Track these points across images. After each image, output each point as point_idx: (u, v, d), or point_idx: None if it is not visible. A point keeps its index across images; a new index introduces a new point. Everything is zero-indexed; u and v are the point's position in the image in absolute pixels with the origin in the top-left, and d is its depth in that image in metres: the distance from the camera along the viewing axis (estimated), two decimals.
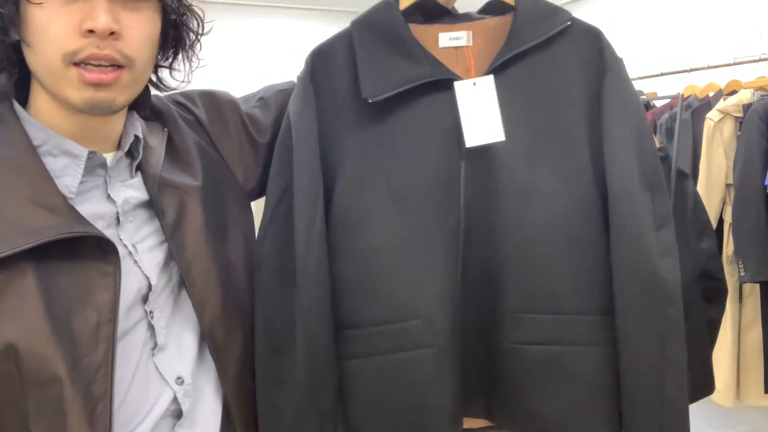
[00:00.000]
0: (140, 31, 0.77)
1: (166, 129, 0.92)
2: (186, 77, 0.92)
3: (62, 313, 0.72)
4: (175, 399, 0.83)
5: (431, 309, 0.95)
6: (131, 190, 0.84)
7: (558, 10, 0.99)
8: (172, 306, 0.86)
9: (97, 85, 0.74)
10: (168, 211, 0.86)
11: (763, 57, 2.51)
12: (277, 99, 1.10)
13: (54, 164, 0.77)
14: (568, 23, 0.97)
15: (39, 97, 0.79)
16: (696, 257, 1.83)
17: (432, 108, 0.96)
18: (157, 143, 0.89)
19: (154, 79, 0.89)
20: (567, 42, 0.97)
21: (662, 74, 2.99)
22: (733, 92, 2.55)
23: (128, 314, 0.79)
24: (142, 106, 0.91)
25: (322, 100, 0.98)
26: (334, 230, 0.97)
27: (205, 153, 0.96)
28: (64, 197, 0.75)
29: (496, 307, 0.96)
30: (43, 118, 0.79)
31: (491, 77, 0.95)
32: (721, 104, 2.48)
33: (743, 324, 2.47)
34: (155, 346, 0.83)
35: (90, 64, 0.73)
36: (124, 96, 0.79)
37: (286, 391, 0.95)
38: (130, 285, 0.80)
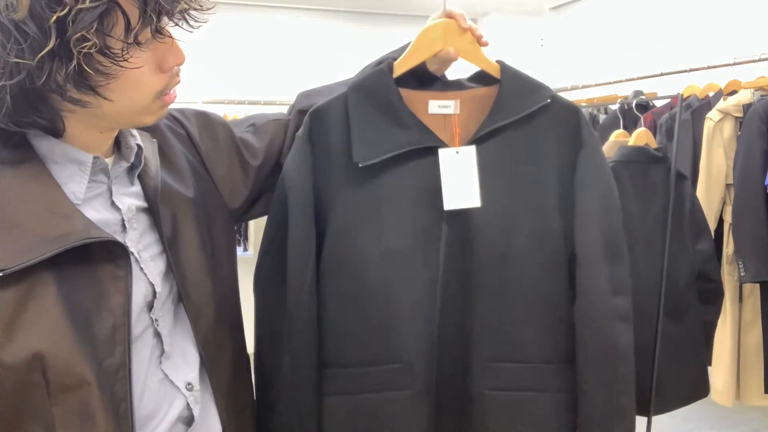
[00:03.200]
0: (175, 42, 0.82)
1: (155, 140, 0.93)
2: None
3: (82, 318, 0.73)
4: (187, 405, 0.85)
5: (411, 354, 1.04)
6: (132, 198, 0.85)
7: (540, 87, 1.07)
8: (173, 315, 0.87)
9: (167, 105, 0.81)
10: (166, 222, 0.87)
11: (763, 57, 2.51)
12: (268, 127, 1.13)
13: (60, 172, 0.77)
14: (548, 101, 1.05)
15: (74, 126, 0.78)
16: (693, 259, 1.83)
17: (418, 171, 1.04)
18: (151, 153, 0.90)
19: None
20: (547, 117, 1.05)
21: (662, 74, 2.99)
22: (733, 92, 2.55)
23: (137, 320, 0.80)
24: None
25: (318, 157, 1.05)
26: (323, 275, 1.05)
27: (194, 168, 0.98)
28: (73, 204, 0.76)
29: (470, 356, 1.06)
30: (71, 139, 0.79)
31: (473, 147, 1.04)
32: (721, 104, 2.47)
33: (743, 324, 2.47)
34: (162, 353, 0.84)
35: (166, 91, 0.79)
36: None
37: (276, 420, 1.05)
38: (139, 290, 0.81)
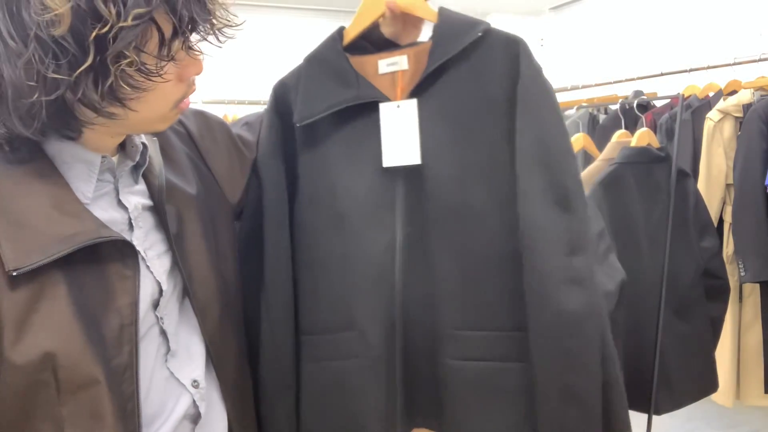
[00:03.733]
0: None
1: (155, 138, 0.93)
2: None
3: (91, 317, 0.73)
4: (193, 402, 0.85)
5: (365, 322, 1.01)
6: (138, 197, 0.86)
7: (474, 23, 1.00)
8: (178, 313, 0.87)
9: (179, 112, 0.82)
10: (172, 220, 0.87)
11: (763, 57, 2.51)
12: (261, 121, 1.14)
13: (68, 171, 0.77)
14: (479, 35, 0.97)
15: (89, 130, 0.78)
16: (698, 256, 1.84)
17: (363, 130, 1.02)
18: (153, 151, 0.90)
19: None
20: (485, 55, 0.98)
21: (662, 74, 2.99)
22: (733, 92, 2.55)
23: (144, 319, 0.80)
24: None
25: (283, 128, 1.06)
26: (294, 243, 1.06)
27: (195, 165, 0.98)
28: (82, 204, 0.76)
29: (436, 324, 1.00)
30: (85, 142, 0.80)
31: (414, 101, 1.00)
32: (721, 104, 2.47)
33: (743, 324, 2.47)
34: (168, 351, 0.84)
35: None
36: None
37: (261, 388, 1.04)
38: (146, 289, 0.81)
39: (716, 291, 1.88)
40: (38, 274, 0.70)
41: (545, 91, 0.97)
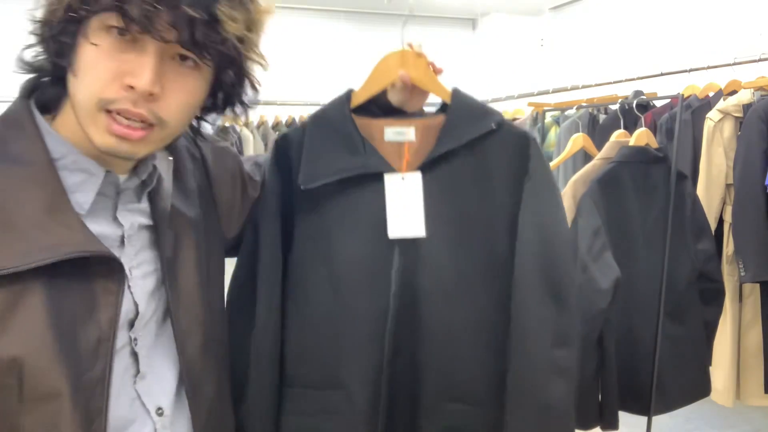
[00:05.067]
0: (181, 97, 0.76)
1: (171, 158, 0.91)
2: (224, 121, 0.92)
3: (67, 328, 0.72)
4: (155, 430, 0.83)
5: (352, 383, 1.04)
6: (136, 215, 0.84)
7: (488, 113, 1.04)
8: (154, 336, 0.85)
9: (121, 138, 0.73)
10: (168, 243, 0.86)
11: (763, 57, 2.51)
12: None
13: (69, 179, 0.76)
14: (493, 127, 1.02)
15: (70, 114, 0.77)
16: (694, 259, 1.83)
17: (366, 198, 1.03)
18: (165, 171, 0.88)
19: (194, 124, 0.89)
20: (496, 144, 1.03)
21: (662, 74, 2.99)
22: (733, 92, 2.55)
23: (117, 337, 0.79)
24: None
25: (283, 183, 1.06)
26: (285, 299, 1.07)
27: (202, 192, 0.97)
28: (77, 214, 0.75)
29: (419, 393, 1.04)
30: (68, 132, 0.77)
31: (419, 173, 1.03)
32: (721, 104, 2.47)
33: (743, 324, 2.47)
34: (137, 373, 0.82)
35: (120, 115, 0.72)
36: (147, 149, 0.78)
37: None
38: (123, 308, 0.79)
39: (711, 294, 1.88)
40: (19, 279, 0.69)
41: (551, 190, 1.03)
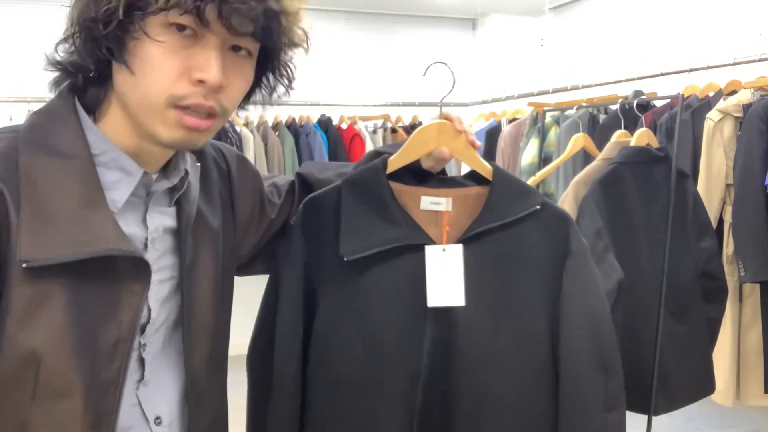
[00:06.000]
0: (240, 85, 0.79)
1: (199, 164, 0.92)
2: (263, 109, 0.94)
3: (88, 326, 0.73)
4: None
5: None
6: (165, 218, 0.85)
7: (530, 192, 1.08)
8: (161, 343, 0.86)
9: (191, 130, 0.75)
10: (189, 250, 0.86)
11: (763, 57, 2.51)
12: (285, 187, 1.14)
13: (106, 176, 0.77)
14: (537, 207, 1.05)
15: (113, 111, 0.79)
16: (697, 257, 1.83)
17: (404, 267, 1.04)
18: (194, 178, 0.89)
19: None
20: (536, 222, 1.06)
21: (662, 74, 2.99)
22: (733, 92, 2.55)
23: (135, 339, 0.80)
24: None
25: (309, 246, 1.06)
26: (309, 362, 1.06)
27: (225, 205, 0.98)
28: (111, 211, 0.76)
29: None
30: (108, 130, 0.79)
31: (460, 246, 1.04)
32: (721, 104, 2.47)
33: (743, 324, 2.47)
34: (141, 379, 0.83)
35: (191, 109, 0.74)
36: (207, 138, 0.81)
37: None
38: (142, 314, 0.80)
39: (714, 292, 1.88)
40: (48, 271, 0.70)
41: (591, 267, 1.08)
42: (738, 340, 2.47)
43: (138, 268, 0.77)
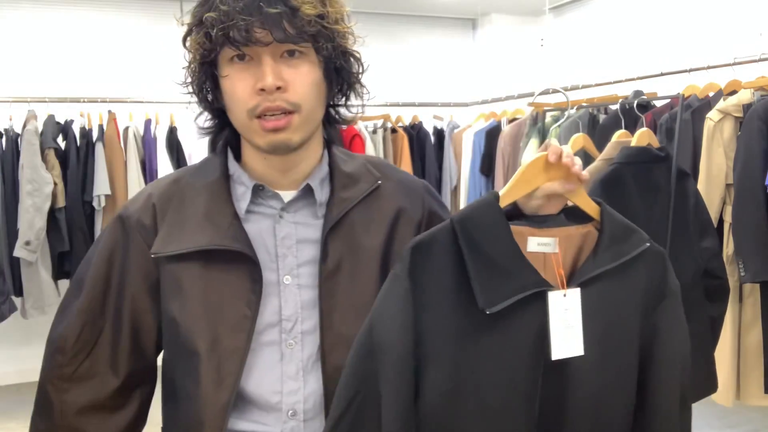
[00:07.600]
0: (302, 81, 0.92)
1: (379, 182, 1.04)
2: (360, 109, 1.10)
3: (215, 304, 0.94)
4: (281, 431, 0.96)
5: None
6: (302, 228, 0.98)
7: (634, 230, 1.04)
8: (302, 344, 0.97)
9: (275, 130, 0.91)
10: (329, 260, 0.97)
11: (763, 57, 2.51)
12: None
13: (237, 190, 0.99)
14: (648, 245, 1.03)
15: (244, 145, 1.00)
16: (698, 256, 1.83)
17: (524, 316, 0.97)
18: (347, 195, 1.00)
19: (332, 113, 1.06)
20: (640, 261, 1.03)
21: (662, 74, 2.99)
22: (733, 92, 2.55)
23: (265, 332, 0.95)
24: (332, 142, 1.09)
25: (422, 297, 0.96)
26: (417, 425, 0.97)
27: (392, 228, 1.03)
28: (237, 217, 0.96)
29: None
30: (247, 161, 1.00)
31: (578, 290, 0.97)
32: (721, 104, 2.47)
33: (743, 324, 2.47)
34: (283, 373, 0.95)
35: (266, 115, 0.91)
36: (298, 135, 0.94)
37: None
38: (271, 307, 0.95)
39: (716, 291, 1.88)
40: (183, 259, 0.94)
41: (681, 309, 1.08)
42: (738, 340, 2.47)
43: (255, 262, 0.94)
